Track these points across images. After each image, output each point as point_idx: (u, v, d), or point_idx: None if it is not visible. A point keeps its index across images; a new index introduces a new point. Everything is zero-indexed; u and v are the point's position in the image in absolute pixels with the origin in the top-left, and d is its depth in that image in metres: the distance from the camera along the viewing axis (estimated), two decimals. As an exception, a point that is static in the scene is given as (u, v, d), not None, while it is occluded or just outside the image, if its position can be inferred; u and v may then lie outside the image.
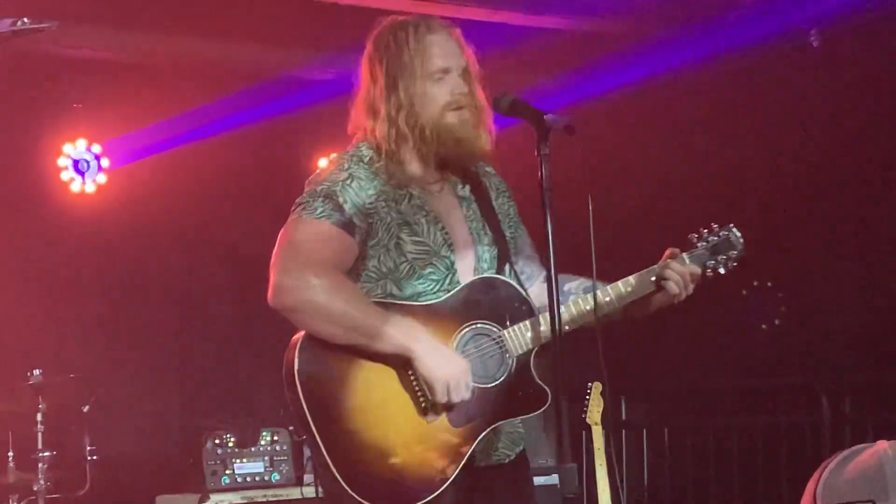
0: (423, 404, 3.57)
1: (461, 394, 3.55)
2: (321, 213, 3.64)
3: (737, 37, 7.58)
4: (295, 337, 3.61)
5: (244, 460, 7.54)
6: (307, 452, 7.51)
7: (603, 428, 6.59)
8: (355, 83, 3.88)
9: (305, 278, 3.55)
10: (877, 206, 7.47)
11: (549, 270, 3.47)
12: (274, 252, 3.67)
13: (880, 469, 4.66)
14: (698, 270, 3.81)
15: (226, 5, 7.28)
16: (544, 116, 3.49)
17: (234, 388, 8.55)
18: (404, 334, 3.54)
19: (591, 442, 6.69)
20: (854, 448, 4.82)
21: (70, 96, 8.06)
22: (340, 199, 3.65)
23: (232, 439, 7.54)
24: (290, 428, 3.30)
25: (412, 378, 3.57)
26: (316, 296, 3.53)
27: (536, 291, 3.85)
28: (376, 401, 3.56)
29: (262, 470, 7.58)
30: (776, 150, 7.91)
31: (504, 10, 7.41)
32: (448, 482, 3.56)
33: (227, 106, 8.17)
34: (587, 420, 6.64)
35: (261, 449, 7.62)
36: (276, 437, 7.68)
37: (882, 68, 7.43)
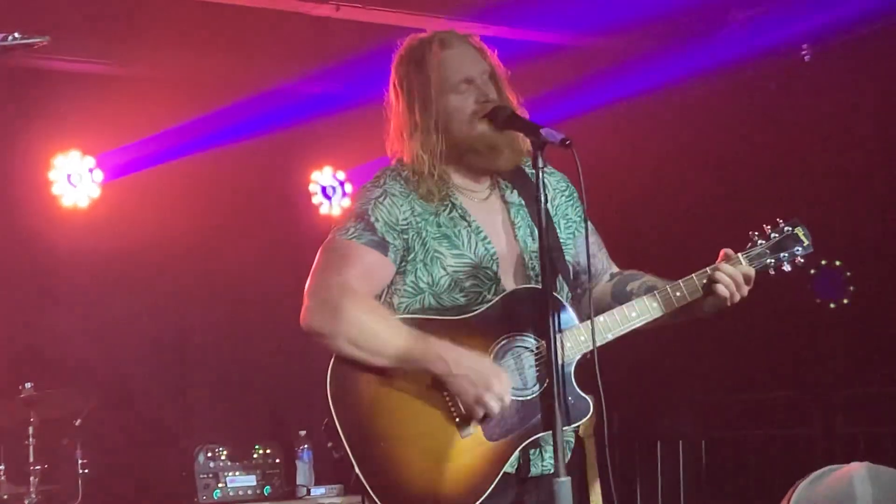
0: (456, 419, 3.54)
1: (494, 407, 3.51)
2: (352, 233, 3.64)
3: (730, 52, 7.61)
4: (332, 356, 3.60)
5: (236, 473, 7.53)
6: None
7: (596, 441, 6.59)
8: (386, 111, 3.86)
9: (333, 302, 3.55)
10: (868, 221, 7.47)
11: (545, 285, 3.46)
12: (310, 272, 3.66)
13: (850, 486, 4.68)
14: (752, 272, 3.71)
15: (219, 18, 7.29)
16: (541, 130, 3.47)
17: (228, 401, 8.53)
18: (432, 356, 3.52)
19: (584, 455, 6.69)
20: (825, 469, 4.83)
21: (63, 108, 8.04)
22: (371, 219, 3.64)
23: (224, 452, 7.53)
24: (329, 444, 3.33)
25: (444, 393, 3.55)
26: (342, 320, 3.53)
27: (600, 290, 3.82)
28: (408, 417, 3.54)
29: (254, 483, 7.57)
30: (769, 163, 7.92)
31: (497, 24, 7.43)
32: (484, 496, 3.53)
33: (221, 119, 8.17)
34: (580, 433, 6.64)
35: (253, 462, 7.61)
36: (268, 451, 7.67)
37: (873, 82, 7.46)
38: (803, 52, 7.67)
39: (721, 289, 3.68)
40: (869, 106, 7.47)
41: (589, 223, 3.87)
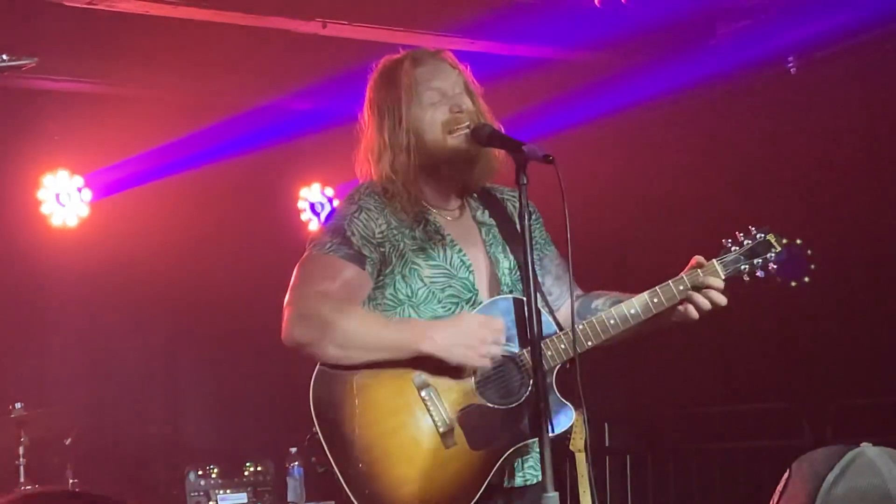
0: (440, 429, 3.56)
1: (497, 352, 3.56)
2: (329, 248, 3.67)
3: (716, 64, 7.63)
4: (314, 371, 3.61)
5: (228, 491, 7.52)
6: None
7: (586, 454, 6.58)
8: (359, 132, 3.88)
9: (310, 309, 3.58)
10: (856, 232, 7.49)
11: (528, 297, 3.47)
12: (289, 287, 3.68)
13: (878, 473, 4.68)
14: (721, 285, 3.74)
15: (207, 36, 7.30)
16: (523, 146, 3.49)
17: (218, 419, 8.52)
18: (420, 336, 3.54)
19: (575, 469, 6.68)
20: (849, 458, 4.80)
21: (51, 128, 8.05)
22: (347, 233, 3.67)
23: (215, 470, 7.52)
24: (313, 459, 3.36)
25: (427, 405, 3.57)
26: (322, 323, 3.56)
27: (565, 312, 3.82)
28: (393, 429, 3.56)
29: (245, 500, 7.56)
30: (755, 175, 7.94)
31: (483, 39, 7.45)
32: None
33: (209, 137, 8.18)
34: (570, 447, 6.64)
35: (244, 479, 7.60)
36: (259, 468, 7.66)
37: (859, 94, 7.48)
38: (789, 65, 7.69)
39: (692, 311, 3.73)
40: (855, 117, 7.49)
41: (554, 248, 3.95)
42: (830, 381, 7.60)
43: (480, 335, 3.56)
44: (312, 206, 9.12)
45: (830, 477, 4.68)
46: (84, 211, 8.19)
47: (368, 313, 3.64)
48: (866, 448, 4.79)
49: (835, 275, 7.49)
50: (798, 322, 7.52)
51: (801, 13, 7.38)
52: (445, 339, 3.55)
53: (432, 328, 3.57)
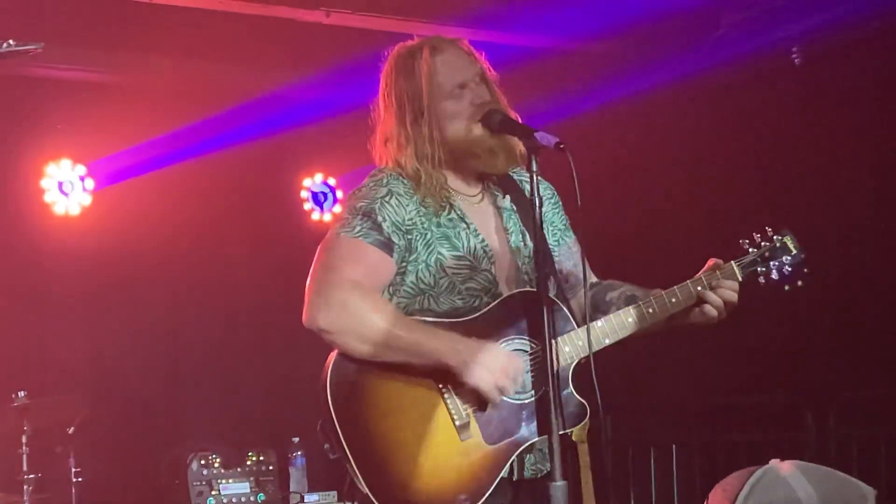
0: (455, 422, 3.55)
1: (511, 389, 3.53)
2: (359, 231, 3.63)
3: (720, 55, 7.62)
4: (329, 357, 3.59)
5: (230, 481, 7.51)
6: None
7: (590, 445, 6.58)
8: (373, 117, 3.86)
9: (340, 298, 3.54)
10: (859, 222, 7.49)
11: (540, 287, 3.47)
12: (311, 270, 3.64)
13: (791, 490, 4.71)
14: (736, 287, 3.76)
15: (210, 25, 7.29)
16: (534, 133, 3.49)
17: (221, 408, 8.52)
18: (446, 348, 3.51)
19: (577, 460, 6.68)
20: (756, 476, 4.83)
21: (54, 116, 8.03)
22: (379, 218, 3.63)
23: (218, 459, 7.52)
24: (326, 446, 3.35)
25: (445, 397, 3.56)
26: (350, 316, 3.52)
27: (581, 299, 3.82)
28: (409, 420, 3.54)
29: (247, 490, 7.55)
30: (759, 166, 7.94)
31: (486, 29, 7.44)
32: (483, 499, 3.54)
33: (211, 126, 8.16)
34: (573, 438, 6.63)
35: (246, 469, 7.59)
36: (261, 458, 7.66)
37: (864, 85, 7.47)
38: (793, 55, 7.68)
39: (710, 310, 3.74)
40: (859, 109, 7.48)
41: (573, 234, 3.94)
42: (833, 372, 7.60)
43: (502, 365, 3.53)
44: (315, 195, 9.10)
45: (742, 493, 4.70)
46: (87, 200, 8.17)
47: (400, 315, 3.59)
48: (775, 464, 4.81)
49: (839, 266, 7.52)
50: (800, 313, 7.52)
51: (806, 4, 7.38)
52: (470, 356, 3.50)
53: (461, 343, 3.53)
